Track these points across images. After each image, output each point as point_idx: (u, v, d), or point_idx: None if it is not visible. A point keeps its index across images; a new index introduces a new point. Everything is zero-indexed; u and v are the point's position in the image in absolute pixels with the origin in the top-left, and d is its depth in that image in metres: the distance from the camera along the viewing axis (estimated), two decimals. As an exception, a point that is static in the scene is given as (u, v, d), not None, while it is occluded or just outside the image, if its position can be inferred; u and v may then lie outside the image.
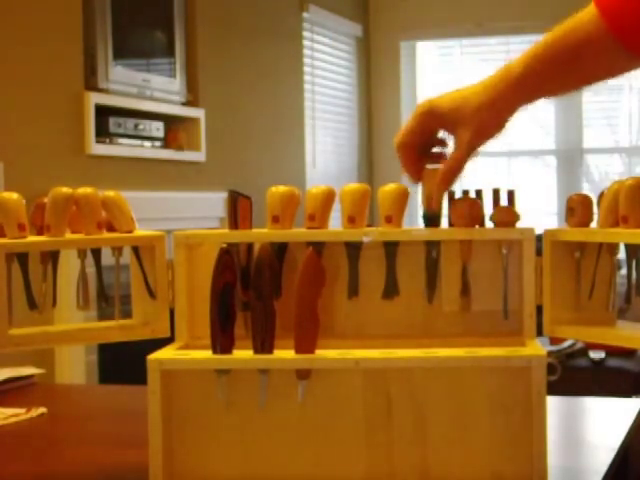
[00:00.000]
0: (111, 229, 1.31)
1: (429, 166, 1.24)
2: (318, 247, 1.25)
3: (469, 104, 1.19)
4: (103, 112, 3.72)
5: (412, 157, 1.24)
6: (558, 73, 1.17)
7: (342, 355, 1.16)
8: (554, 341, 4.07)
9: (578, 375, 4.06)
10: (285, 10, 5.28)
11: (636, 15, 1.11)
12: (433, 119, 1.22)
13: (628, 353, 4.09)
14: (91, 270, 1.29)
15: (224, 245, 1.17)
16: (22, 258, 1.26)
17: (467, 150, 1.20)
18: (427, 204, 1.24)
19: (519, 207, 1.26)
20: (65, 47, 3.58)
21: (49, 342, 1.34)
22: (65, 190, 1.27)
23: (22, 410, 1.63)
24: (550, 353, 3.84)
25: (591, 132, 6.01)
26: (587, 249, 1.26)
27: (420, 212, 1.27)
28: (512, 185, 1.48)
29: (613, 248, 1.26)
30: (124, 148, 3.85)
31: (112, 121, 3.77)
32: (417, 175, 1.24)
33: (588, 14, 1.14)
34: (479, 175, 5.67)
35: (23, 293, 1.26)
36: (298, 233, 1.26)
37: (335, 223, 1.26)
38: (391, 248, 1.27)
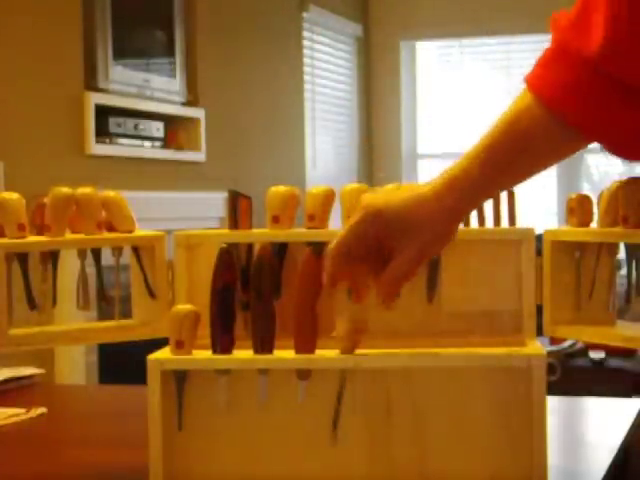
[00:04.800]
0: (111, 229, 1.31)
1: None
2: (318, 247, 1.25)
3: (419, 214, 1.07)
4: (103, 112, 3.72)
5: (344, 265, 1.10)
6: (508, 170, 1.08)
7: (342, 355, 1.16)
8: (554, 341, 4.07)
9: (578, 375, 4.06)
10: (285, 10, 5.27)
11: (562, 83, 1.03)
12: (378, 226, 1.08)
13: (628, 353, 4.09)
14: (91, 270, 1.29)
15: (224, 245, 1.17)
16: (22, 258, 1.26)
17: (414, 262, 1.09)
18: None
19: (519, 207, 1.27)
20: (65, 47, 3.58)
21: (49, 342, 1.34)
22: (65, 190, 1.27)
23: (22, 410, 1.63)
24: (550, 353, 3.84)
25: (591, 132, 5.99)
26: (587, 249, 1.26)
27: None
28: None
29: (613, 248, 1.26)
30: (124, 148, 3.85)
31: (112, 121, 3.77)
32: (337, 282, 1.12)
33: (523, 104, 1.06)
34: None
35: (23, 293, 1.26)
36: (298, 233, 1.26)
37: (335, 223, 1.26)
38: (391, 248, 1.27)
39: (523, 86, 1.07)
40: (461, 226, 1.26)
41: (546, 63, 1.06)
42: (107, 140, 3.76)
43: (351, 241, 1.09)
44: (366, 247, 1.09)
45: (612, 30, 0.99)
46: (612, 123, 1.03)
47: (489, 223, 1.27)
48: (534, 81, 1.06)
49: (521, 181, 1.10)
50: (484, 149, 1.06)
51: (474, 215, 1.25)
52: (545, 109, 1.04)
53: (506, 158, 1.06)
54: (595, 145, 1.06)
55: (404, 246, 1.08)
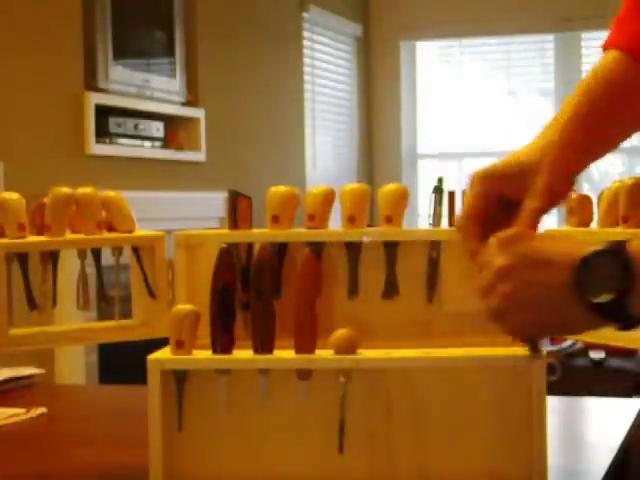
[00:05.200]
0: (111, 229, 1.31)
1: None
2: (318, 247, 1.25)
3: (533, 158, 1.08)
4: (103, 112, 3.72)
5: (477, 232, 1.09)
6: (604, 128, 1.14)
7: (342, 355, 1.16)
8: (554, 341, 4.07)
9: (578, 375, 4.07)
10: (285, 10, 5.27)
11: None
12: (495, 181, 1.10)
13: (628, 353, 4.09)
14: (91, 270, 1.29)
15: (224, 245, 1.17)
16: (22, 258, 1.26)
17: (547, 197, 1.07)
18: None
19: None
20: (65, 47, 3.58)
21: (49, 342, 1.34)
22: (65, 190, 1.27)
23: (22, 410, 1.63)
24: (550, 353, 3.84)
25: (591, 132, 5.98)
26: (587, 249, 1.26)
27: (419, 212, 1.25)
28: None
29: (613, 248, 1.26)
30: (124, 148, 3.85)
31: (112, 121, 3.77)
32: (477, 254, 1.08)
33: (610, 60, 1.15)
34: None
35: (23, 293, 1.26)
36: (298, 233, 1.26)
37: (335, 223, 1.26)
38: (391, 248, 1.27)
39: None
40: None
41: (620, 22, 1.19)
42: (107, 140, 3.76)
43: (474, 206, 1.10)
44: (489, 207, 1.10)
45: None
46: None
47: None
48: (608, 41, 1.18)
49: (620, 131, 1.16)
50: (581, 108, 1.13)
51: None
52: (623, 53, 1.15)
53: (601, 104, 1.13)
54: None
55: (530, 187, 1.07)
